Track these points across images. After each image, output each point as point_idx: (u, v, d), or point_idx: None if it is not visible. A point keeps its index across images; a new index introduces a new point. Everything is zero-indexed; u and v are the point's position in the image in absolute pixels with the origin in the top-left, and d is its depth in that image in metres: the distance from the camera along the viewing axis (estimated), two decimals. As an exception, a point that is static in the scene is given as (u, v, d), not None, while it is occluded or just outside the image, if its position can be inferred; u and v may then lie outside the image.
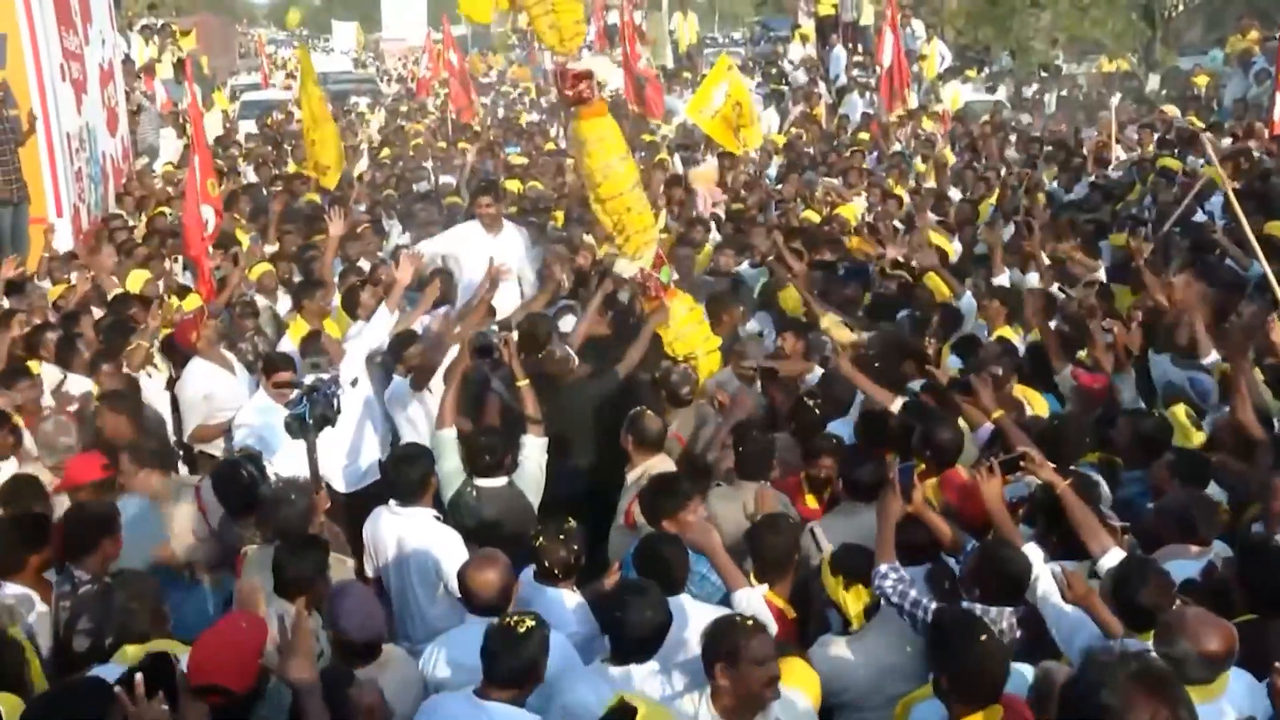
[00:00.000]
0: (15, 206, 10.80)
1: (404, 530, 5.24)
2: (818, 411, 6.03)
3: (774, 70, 24.15)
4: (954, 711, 3.62)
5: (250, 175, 15.54)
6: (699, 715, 3.80)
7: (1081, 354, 6.69)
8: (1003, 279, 8.26)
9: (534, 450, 5.71)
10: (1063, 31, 23.36)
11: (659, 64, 26.93)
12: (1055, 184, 12.72)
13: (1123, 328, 6.46)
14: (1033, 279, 8.33)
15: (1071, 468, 5.05)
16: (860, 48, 23.77)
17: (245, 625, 3.75)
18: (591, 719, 3.67)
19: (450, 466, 5.56)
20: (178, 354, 7.56)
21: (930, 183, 13.06)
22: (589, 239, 8.81)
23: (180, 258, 10.14)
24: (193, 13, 39.44)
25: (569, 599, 4.65)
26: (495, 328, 7.34)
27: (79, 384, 6.77)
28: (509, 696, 3.83)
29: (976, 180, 12.65)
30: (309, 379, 5.48)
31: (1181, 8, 23.42)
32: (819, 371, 6.87)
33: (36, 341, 7.30)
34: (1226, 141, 13.31)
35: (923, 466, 5.40)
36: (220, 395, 7.16)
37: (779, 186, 13.06)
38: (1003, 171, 13.37)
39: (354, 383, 6.77)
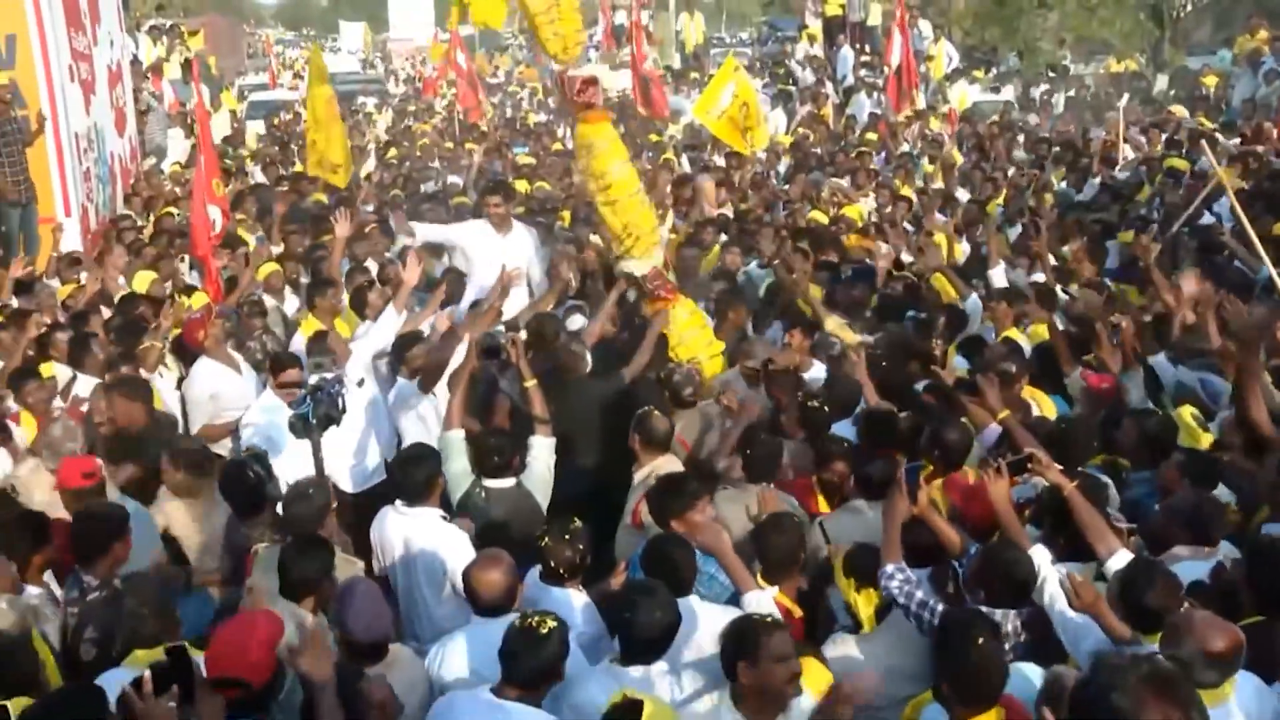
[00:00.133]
0: (24, 207, 10.84)
1: (411, 530, 5.24)
2: (825, 409, 6.05)
3: (781, 70, 24.13)
4: (955, 714, 3.63)
5: (258, 175, 15.57)
6: (719, 715, 3.80)
7: (1088, 357, 6.68)
8: (999, 276, 8.22)
9: (542, 451, 5.71)
10: (1070, 32, 23.33)
11: (665, 64, 26.93)
12: (1064, 184, 12.70)
13: (1130, 324, 6.44)
14: (1038, 279, 8.32)
15: (1080, 469, 5.04)
16: (867, 48, 23.74)
17: (261, 620, 3.74)
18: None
19: (458, 468, 5.56)
20: (188, 353, 7.59)
21: (937, 183, 13.05)
22: (596, 239, 8.83)
23: (186, 257, 10.17)
24: (200, 13, 39.54)
25: (575, 599, 4.65)
26: (503, 328, 7.36)
27: (89, 385, 6.78)
28: (527, 696, 3.84)
29: (984, 181, 12.63)
30: (313, 379, 5.50)
31: (1190, 8, 23.37)
32: (817, 367, 6.88)
33: (47, 342, 7.33)
34: (1235, 141, 13.30)
35: (929, 467, 5.40)
36: (226, 395, 7.18)
37: (785, 187, 13.06)
38: (1010, 172, 13.36)
39: (360, 383, 6.79)
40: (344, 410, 5.61)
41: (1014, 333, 7.22)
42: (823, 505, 5.57)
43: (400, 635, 4.94)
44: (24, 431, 6.23)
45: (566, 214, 11.25)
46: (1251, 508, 5.08)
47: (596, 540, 4.96)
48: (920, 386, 6.37)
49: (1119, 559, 4.25)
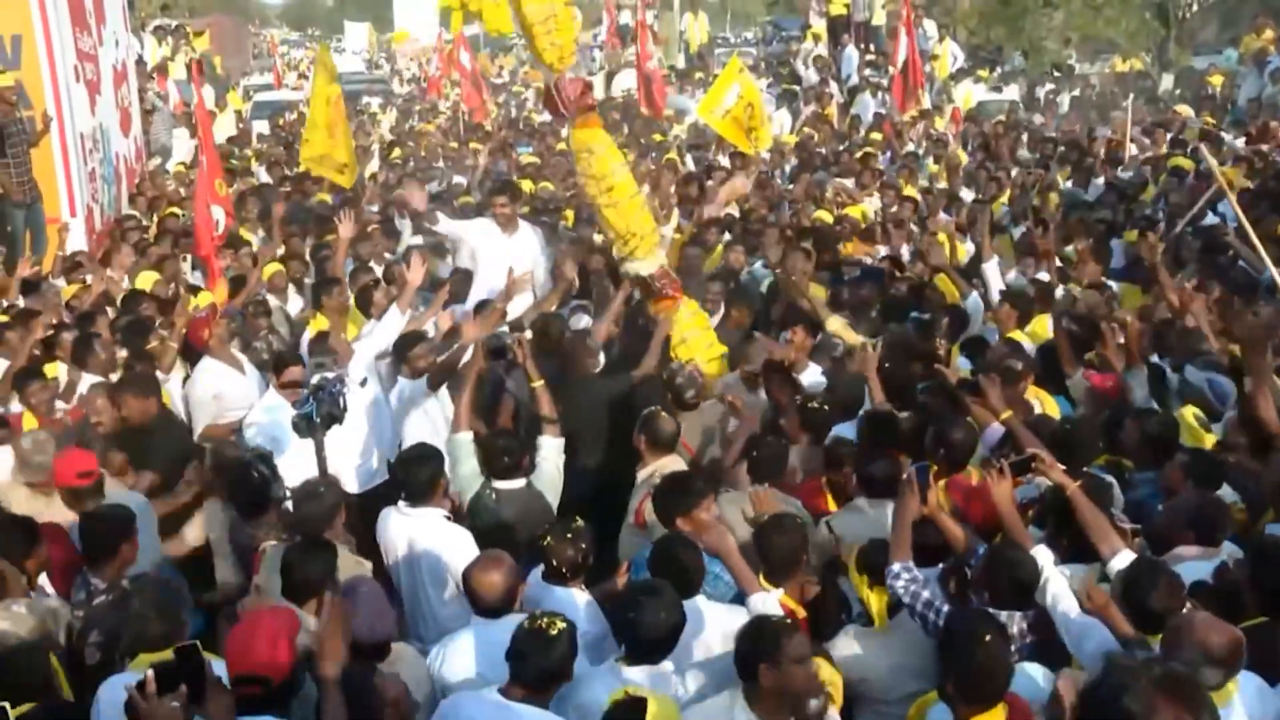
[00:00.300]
0: (29, 207, 10.85)
1: (414, 531, 5.24)
2: (825, 409, 6.05)
3: (785, 70, 24.12)
4: (959, 713, 3.63)
5: (263, 175, 15.60)
6: (734, 715, 3.79)
7: (1090, 355, 6.67)
8: (993, 270, 8.20)
9: (551, 451, 5.71)
10: (1076, 31, 23.32)
11: (670, 64, 26.92)
12: (1069, 184, 12.69)
13: (1134, 321, 6.43)
14: (1042, 278, 8.31)
15: (1083, 470, 5.04)
16: (872, 47, 23.72)
17: (280, 617, 3.75)
18: (606, 719, 3.68)
19: (468, 470, 5.56)
20: (191, 353, 7.61)
21: (942, 183, 13.04)
22: (599, 239, 8.84)
23: (189, 256, 10.19)
24: (206, 13, 39.62)
25: (578, 598, 4.65)
26: (507, 328, 7.37)
27: (93, 385, 6.80)
28: (535, 697, 3.83)
29: (989, 180, 12.62)
30: (315, 379, 5.50)
31: (1196, 7, 23.33)
32: (813, 369, 6.86)
33: (53, 342, 7.34)
34: (1241, 141, 13.28)
35: (934, 467, 5.39)
36: (229, 395, 7.19)
37: (790, 186, 13.06)
38: (1015, 172, 13.35)
39: (363, 383, 6.80)
40: (346, 409, 5.62)
41: (1018, 334, 7.21)
42: (831, 506, 5.57)
43: (404, 636, 4.94)
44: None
45: (570, 214, 11.27)
46: (1258, 508, 5.07)
47: (599, 540, 4.96)
48: (922, 386, 6.36)
49: (1122, 559, 4.25)
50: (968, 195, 12.14)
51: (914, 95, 16.93)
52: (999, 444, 5.43)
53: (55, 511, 5.28)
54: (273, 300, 8.88)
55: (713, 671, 4.09)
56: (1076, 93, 21.97)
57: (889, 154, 15.11)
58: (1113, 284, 8.52)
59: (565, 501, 5.62)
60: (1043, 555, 4.31)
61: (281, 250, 10.08)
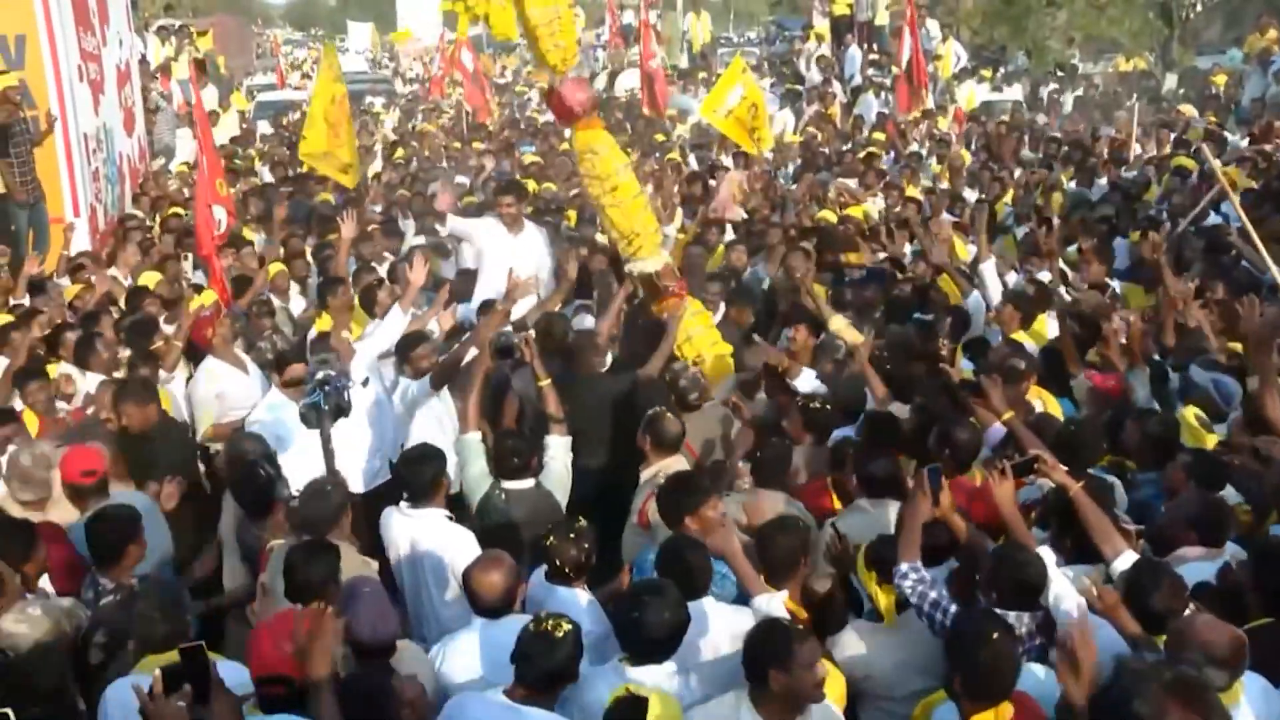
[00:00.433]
0: (32, 207, 10.87)
1: (417, 531, 5.24)
2: (826, 409, 6.05)
3: (788, 70, 24.11)
4: (965, 710, 3.63)
5: (267, 175, 15.61)
6: (740, 716, 3.79)
7: (1092, 354, 6.67)
8: (989, 271, 8.19)
9: (559, 450, 5.71)
10: (1079, 30, 23.27)
11: (672, 64, 26.91)
12: (1073, 184, 12.68)
13: (1137, 320, 6.42)
14: (1044, 277, 8.30)
15: (1086, 470, 5.03)
16: (875, 47, 23.71)
17: (301, 616, 3.75)
18: (609, 719, 3.68)
19: (477, 470, 5.56)
20: (195, 352, 7.62)
21: (945, 183, 13.03)
22: (602, 239, 8.85)
23: (191, 256, 10.20)
24: (209, 13, 39.65)
25: (581, 598, 4.65)
26: (511, 328, 7.37)
27: (97, 384, 6.80)
28: (540, 698, 3.84)
29: (992, 180, 12.62)
30: (319, 374, 5.51)
31: (1199, 7, 23.26)
32: (806, 375, 6.86)
33: (56, 341, 7.35)
34: (1244, 141, 13.26)
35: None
36: (232, 394, 7.20)
37: (793, 186, 13.06)
38: (1018, 172, 13.33)
39: (365, 382, 6.79)
40: (350, 404, 5.62)
41: (1021, 336, 7.20)
42: (837, 506, 5.56)
43: (408, 636, 4.94)
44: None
45: (573, 214, 11.27)
46: (1263, 509, 5.06)
47: (602, 540, 4.95)
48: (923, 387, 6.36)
49: (1124, 560, 4.25)
50: (971, 195, 12.13)
51: (917, 95, 16.92)
52: (1001, 445, 5.43)
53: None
54: (275, 301, 8.89)
55: (718, 672, 4.09)
56: (1080, 92, 21.94)
57: (892, 154, 15.10)
58: (1116, 284, 8.52)
59: (569, 501, 5.62)
60: (1045, 556, 4.30)
61: (282, 250, 10.09)
